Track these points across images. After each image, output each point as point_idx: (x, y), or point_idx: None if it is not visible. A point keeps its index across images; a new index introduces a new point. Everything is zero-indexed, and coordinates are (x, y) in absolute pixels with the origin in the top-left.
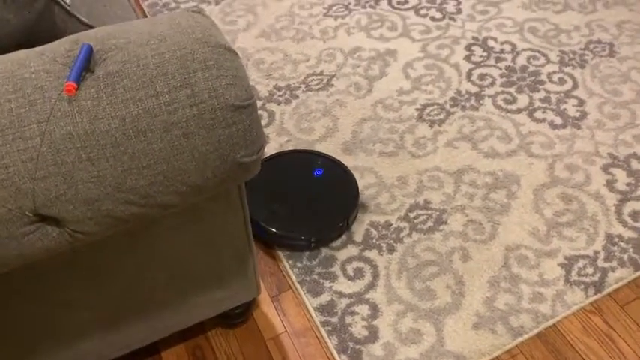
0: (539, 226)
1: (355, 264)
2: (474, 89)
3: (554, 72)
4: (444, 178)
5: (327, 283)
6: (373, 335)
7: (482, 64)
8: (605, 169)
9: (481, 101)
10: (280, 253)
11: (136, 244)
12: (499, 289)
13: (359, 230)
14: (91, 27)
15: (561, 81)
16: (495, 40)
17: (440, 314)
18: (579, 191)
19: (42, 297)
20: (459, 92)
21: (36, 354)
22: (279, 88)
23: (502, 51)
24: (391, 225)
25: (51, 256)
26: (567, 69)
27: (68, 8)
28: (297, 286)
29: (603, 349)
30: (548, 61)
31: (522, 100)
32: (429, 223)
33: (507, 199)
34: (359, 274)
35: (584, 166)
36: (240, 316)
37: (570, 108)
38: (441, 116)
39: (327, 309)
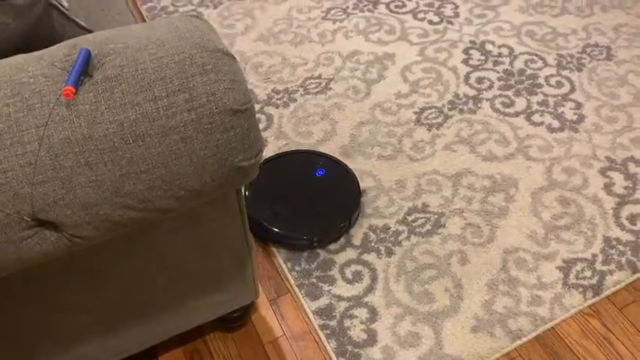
0: (537, 230)
1: (354, 267)
2: (471, 93)
3: (552, 75)
4: (442, 181)
5: (326, 287)
6: (372, 339)
7: (479, 67)
8: (602, 172)
9: (479, 105)
10: (279, 257)
11: (134, 248)
12: (497, 292)
13: (357, 234)
14: (90, 31)
15: (559, 84)
16: (493, 43)
17: (438, 317)
18: (577, 194)
19: (40, 301)
20: (456, 96)
21: (34, 358)
22: (277, 92)
23: (500, 54)
24: (389, 228)
25: (49, 260)
26: (565, 72)
27: (67, 13)
28: (296, 289)
29: (602, 352)
30: (546, 64)
31: (520, 103)
32: (428, 227)
33: (505, 203)
34: (357, 277)
35: (581, 170)
36: (238, 319)
37: (568, 111)
38: (439, 120)
39: (325, 312)
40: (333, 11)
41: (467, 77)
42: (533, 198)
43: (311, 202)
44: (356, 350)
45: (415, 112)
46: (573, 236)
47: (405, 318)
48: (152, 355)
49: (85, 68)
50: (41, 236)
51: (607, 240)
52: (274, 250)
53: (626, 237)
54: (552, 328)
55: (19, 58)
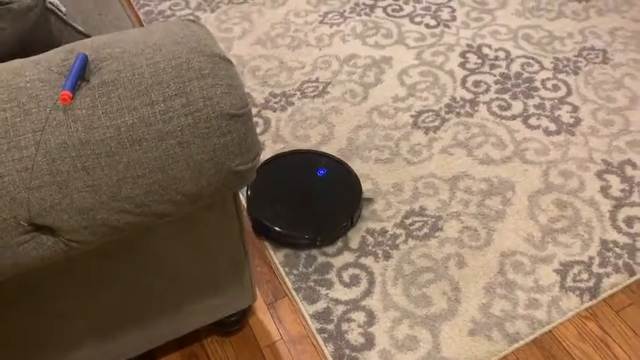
0: (534, 233)
1: (351, 271)
2: (468, 96)
3: (548, 79)
4: (440, 184)
5: (323, 290)
6: (369, 342)
7: (476, 71)
8: (599, 175)
9: (476, 108)
10: (276, 260)
11: (131, 252)
12: (495, 295)
13: (355, 237)
14: (87, 36)
15: (555, 88)
16: (490, 47)
17: (436, 321)
18: (574, 197)
19: (37, 306)
20: (453, 99)
21: None
22: (274, 96)
23: (496, 58)
24: (387, 232)
25: (46, 265)
26: (561, 76)
27: (64, 17)
28: (293, 293)
29: (599, 355)
30: (542, 67)
31: (517, 106)
32: (425, 230)
33: (502, 206)
34: (355, 281)
35: (578, 173)
36: (236, 323)
37: (564, 114)
38: (436, 123)
39: (323, 316)
40: (330, 15)
41: (464, 81)
42: (530, 201)
43: (313, 201)
44: (353, 354)
45: (412, 116)
46: (570, 239)
47: (403, 321)
48: None
49: (82, 73)
50: (38, 241)
51: (604, 243)
52: (272, 253)
53: (622, 240)
54: (550, 331)
55: (16, 63)
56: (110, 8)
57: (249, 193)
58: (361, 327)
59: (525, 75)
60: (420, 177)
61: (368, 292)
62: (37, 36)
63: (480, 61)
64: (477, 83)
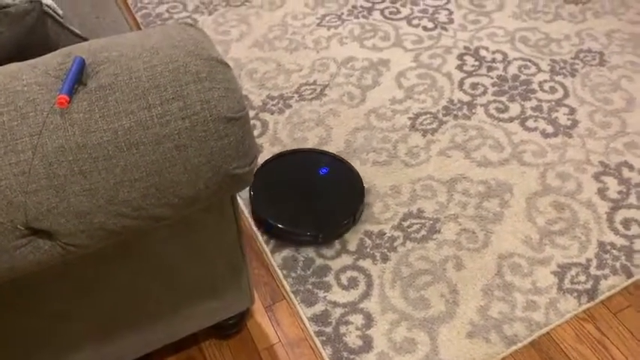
0: (532, 235)
1: (349, 273)
2: (466, 98)
3: (546, 81)
4: (437, 187)
5: (321, 293)
6: (367, 345)
7: (474, 73)
8: (596, 177)
9: (473, 110)
10: (274, 263)
11: (128, 255)
12: (493, 297)
13: (353, 240)
14: (84, 39)
15: (552, 90)
16: (487, 49)
17: (434, 323)
18: (571, 199)
19: (34, 309)
20: (451, 101)
21: None
22: (272, 98)
23: (494, 60)
24: (385, 234)
25: (43, 269)
26: (558, 78)
27: (61, 20)
28: (292, 296)
29: (596, 357)
30: (540, 70)
31: (514, 108)
32: (423, 232)
33: (500, 208)
34: (353, 283)
35: (575, 174)
36: (233, 326)
37: (561, 116)
38: (434, 125)
39: (321, 319)
40: (327, 18)
41: (461, 83)
42: (528, 203)
43: (315, 199)
44: (352, 357)
45: (410, 118)
46: (568, 241)
47: (401, 324)
48: None
49: (79, 76)
50: (35, 245)
51: (601, 245)
52: (270, 256)
53: (620, 241)
54: (547, 333)
55: (13, 67)
56: (107, 11)
57: (251, 192)
58: (359, 330)
59: (522, 77)
60: (417, 179)
61: (366, 295)
62: (34, 39)
63: (477, 63)
64: (474, 86)
